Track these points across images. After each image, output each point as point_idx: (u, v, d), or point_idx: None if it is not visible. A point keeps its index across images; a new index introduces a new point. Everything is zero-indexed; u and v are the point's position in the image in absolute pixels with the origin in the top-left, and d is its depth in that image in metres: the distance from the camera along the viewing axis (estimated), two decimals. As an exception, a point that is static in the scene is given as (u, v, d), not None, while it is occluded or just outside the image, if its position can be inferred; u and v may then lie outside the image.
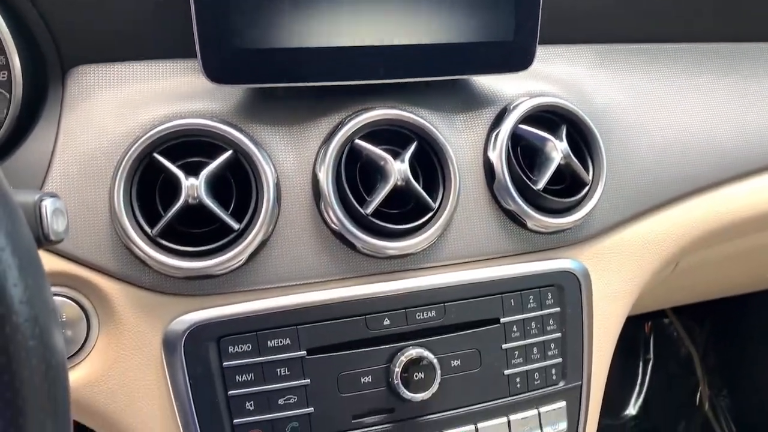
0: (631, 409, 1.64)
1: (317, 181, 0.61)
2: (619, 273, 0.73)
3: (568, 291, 0.69)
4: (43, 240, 0.42)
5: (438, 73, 0.63)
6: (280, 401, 0.60)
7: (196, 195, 0.56)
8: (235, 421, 0.59)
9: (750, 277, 1.05)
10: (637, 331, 1.70)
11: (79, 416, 0.60)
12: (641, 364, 1.68)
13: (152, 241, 0.57)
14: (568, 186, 0.69)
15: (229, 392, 0.59)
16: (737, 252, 0.89)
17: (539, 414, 0.67)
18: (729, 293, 1.19)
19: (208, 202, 0.57)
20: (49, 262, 0.57)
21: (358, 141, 0.62)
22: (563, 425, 0.69)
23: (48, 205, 0.42)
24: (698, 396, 1.63)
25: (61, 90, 0.61)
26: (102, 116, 0.60)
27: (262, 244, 0.60)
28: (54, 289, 0.59)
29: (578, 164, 0.68)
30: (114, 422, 0.59)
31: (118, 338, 0.59)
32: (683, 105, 0.79)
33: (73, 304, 0.59)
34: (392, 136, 0.64)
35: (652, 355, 1.68)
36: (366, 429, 0.62)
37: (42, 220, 0.42)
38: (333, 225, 0.61)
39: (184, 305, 0.60)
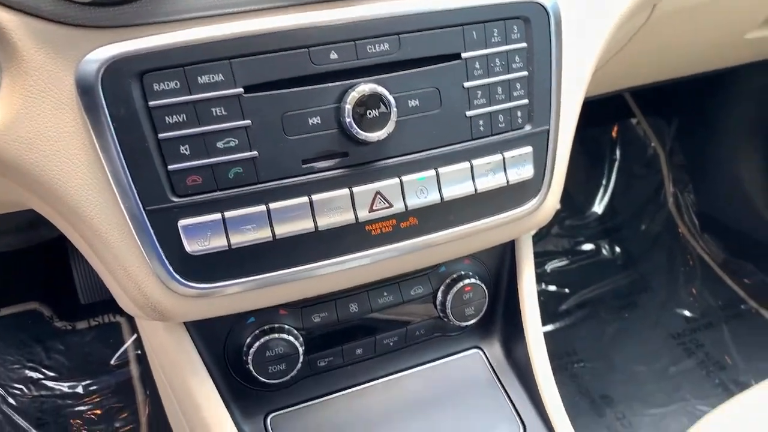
0: (597, 209, 1.65)
1: None
2: (591, 7, 0.66)
3: (536, 25, 0.62)
4: None
5: None
6: (219, 144, 0.54)
7: None
8: (169, 167, 0.53)
9: (724, 37, 0.99)
10: (603, 134, 1.68)
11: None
12: (607, 165, 1.67)
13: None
14: None
15: (160, 135, 0.53)
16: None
17: (503, 158, 0.63)
18: (700, 67, 1.14)
19: None
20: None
21: None
22: (529, 170, 0.65)
23: None
24: (663, 194, 1.65)
25: None
26: None
27: (180, -40, 0.51)
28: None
29: None
30: (35, 176, 0.53)
31: (24, 80, 0.51)
32: None
33: (-33, 45, 0.51)
34: None
35: (618, 156, 1.67)
36: (318, 174, 0.57)
37: None
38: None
39: (97, 38, 0.51)
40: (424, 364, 0.74)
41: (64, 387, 1.27)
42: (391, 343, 0.72)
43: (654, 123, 1.62)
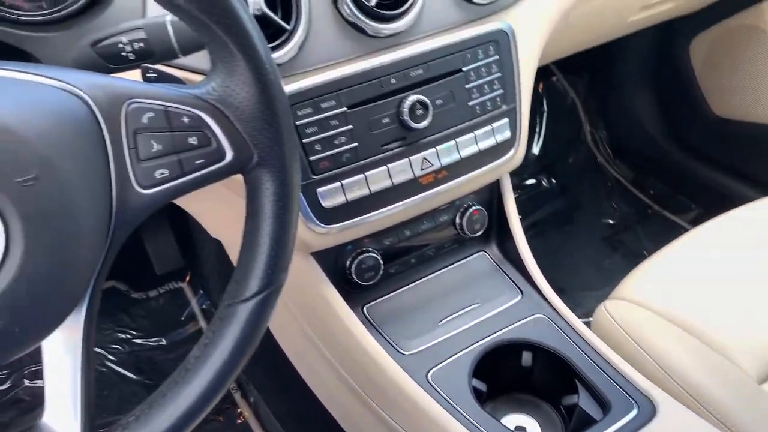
0: (534, 151, 2.09)
1: (333, -14, 0.87)
2: (532, 25, 1.06)
3: (502, 43, 1.01)
4: None
5: None
6: (336, 142, 0.91)
7: (259, 7, 0.82)
8: (310, 158, 0.90)
9: (614, 20, 1.43)
10: (533, 92, 2.10)
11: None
12: (538, 116, 2.10)
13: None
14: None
15: (303, 140, 0.89)
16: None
17: (492, 128, 1.03)
18: (597, 41, 1.57)
19: (267, 11, 0.82)
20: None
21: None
22: (507, 134, 1.04)
23: None
24: (582, 133, 2.10)
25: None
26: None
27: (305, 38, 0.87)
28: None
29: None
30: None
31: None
32: None
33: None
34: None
35: (545, 108, 2.10)
36: (390, 152, 0.95)
37: None
38: (348, 17, 0.89)
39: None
40: (452, 264, 1.14)
41: (150, 342, 1.61)
42: (431, 253, 1.11)
43: (569, 79, 2.06)
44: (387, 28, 0.91)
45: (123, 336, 1.60)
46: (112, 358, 1.57)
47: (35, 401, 1.51)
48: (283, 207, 0.62)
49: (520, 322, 1.04)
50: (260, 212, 0.62)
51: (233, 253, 1.29)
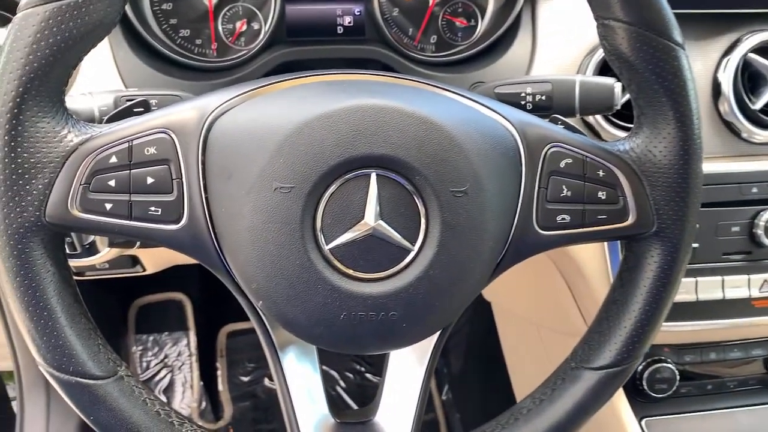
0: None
1: (718, 84, 0.84)
2: None
3: None
4: None
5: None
6: None
7: None
8: None
9: None
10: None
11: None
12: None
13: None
14: None
15: None
16: None
17: None
18: None
19: None
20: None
21: (750, 54, 0.84)
22: None
23: None
24: None
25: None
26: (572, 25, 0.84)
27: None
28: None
29: None
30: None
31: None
32: None
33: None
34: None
35: None
36: (729, 263, 0.87)
37: None
38: (726, 116, 0.85)
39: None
40: (752, 405, 1.00)
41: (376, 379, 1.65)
42: (731, 385, 1.00)
43: None
44: (763, 135, 0.85)
45: (358, 368, 1.66)
46: (342, 384, 1.63)
47: (269, 401, 1.61)
48: (665, 286, 0.59)
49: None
50: (638, 284, 0.59)
51: (502, 313, 1.28)
